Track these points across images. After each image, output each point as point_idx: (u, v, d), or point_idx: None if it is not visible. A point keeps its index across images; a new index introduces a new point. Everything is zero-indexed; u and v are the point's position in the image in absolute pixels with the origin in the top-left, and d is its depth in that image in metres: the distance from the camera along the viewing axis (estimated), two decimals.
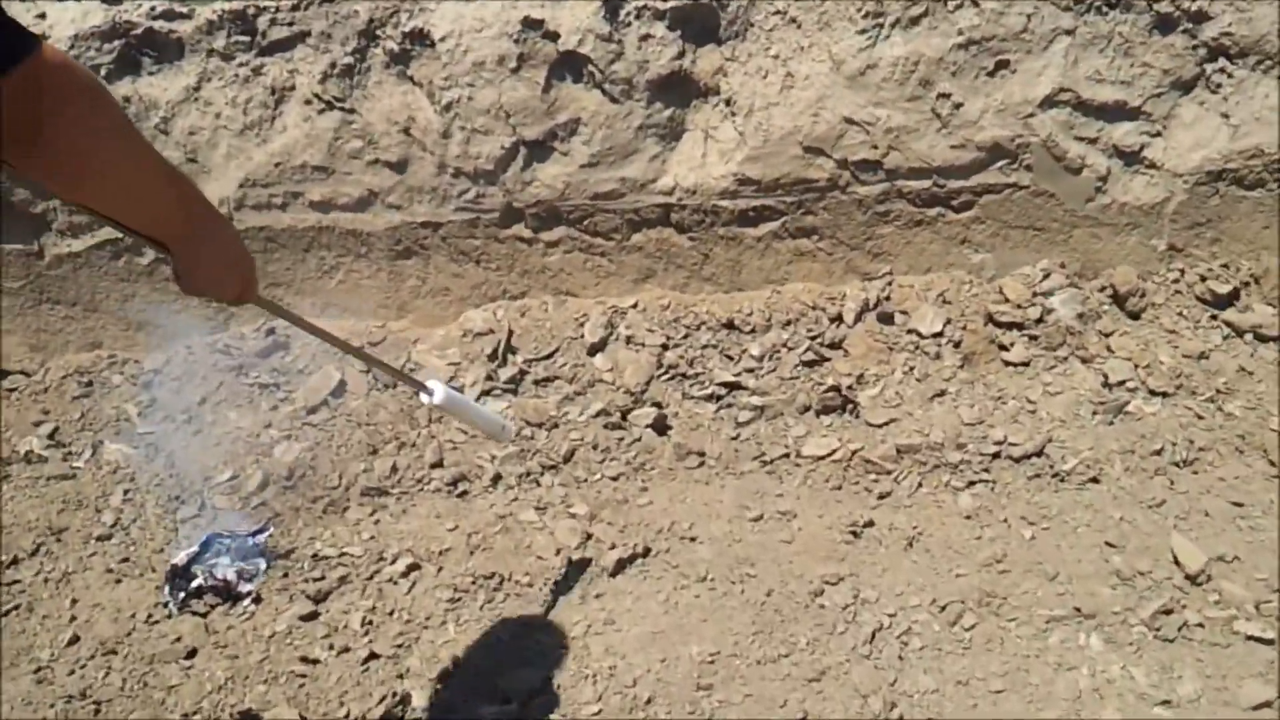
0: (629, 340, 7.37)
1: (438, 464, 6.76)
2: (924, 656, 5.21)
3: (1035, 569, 5.63)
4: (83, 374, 7.50)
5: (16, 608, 5.71)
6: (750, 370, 7.28)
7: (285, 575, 5.85)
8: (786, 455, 6.65)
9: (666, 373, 7.27)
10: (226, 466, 6.80)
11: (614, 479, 6.62)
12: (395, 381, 7.09)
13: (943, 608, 5.47)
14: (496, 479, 6.65)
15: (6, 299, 7.59)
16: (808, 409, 7.11)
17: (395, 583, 5.76)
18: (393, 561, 5.87)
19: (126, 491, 6.64)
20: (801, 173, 7.41)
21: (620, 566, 5.79)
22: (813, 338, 7.37)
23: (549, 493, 6.41)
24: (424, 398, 4.57)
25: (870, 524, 5.99)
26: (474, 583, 5.67)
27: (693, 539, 5.88)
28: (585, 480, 6.56)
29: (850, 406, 7.06)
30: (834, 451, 6.68)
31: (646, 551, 5.87)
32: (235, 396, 7.30)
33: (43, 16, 7.17)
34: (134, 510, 6.45)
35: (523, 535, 6.02)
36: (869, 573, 5.69)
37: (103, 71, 7.17)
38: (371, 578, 5.82)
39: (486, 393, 7.15)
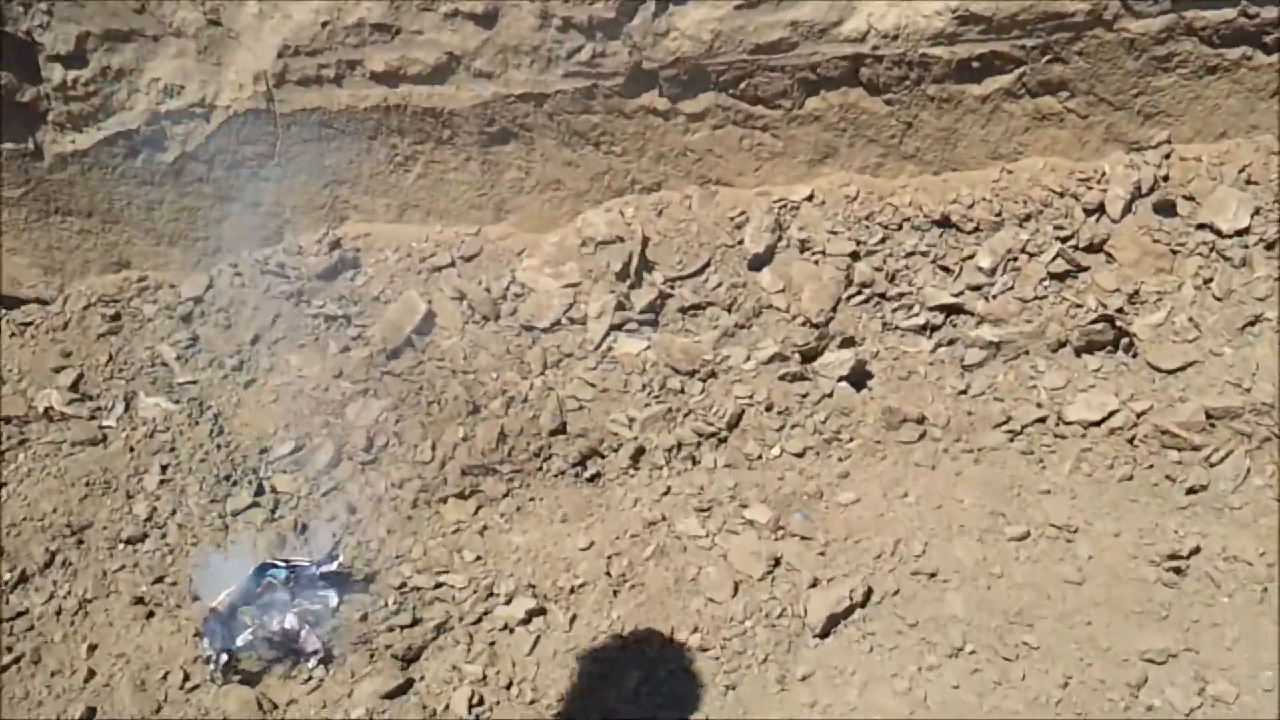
0: (805, 248, 5.47)
1: (559, 430, 5.07)
2: None
3: None
4: (108, 303, 5.96)
5: (19, 660, 4.32)
6: (977, 288, 5.33)
7: (364, 618, 4.33)
8: (1043, 420, 4.78)
9: (859, 293, 5.36)
10: (288, 432, 5.23)
11: (798, 456, 4.86)
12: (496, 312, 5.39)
13: None
14: (638, 454, 4.96)
15: (7, 211, 6.01)
16: (1063, 345, 5.15)
17: (511, 631, 4.21)
18: (507, 600, 4.32)
19: (165, 468, 5.16)
20: (1048, 3, 5.18)
21: (832, 623, 4.08)
22: (1063, 238, 5.35)
23: (712, 480, 4.75)
24: None
25: (1196, 550, 4.11)
26: (622, 646, 4.06)
27: (932, 575, 4.16)
28: (759, 459, 4.85)
29: (1125, 341, 5.05)
30: (1111, 415, 4.76)
31: (867, 596, 4.15)
32: (295, 333, 5.68)
33: None
34: (173, 497, 4.99)
35: (683, 559, 4.41)
36: (1211, 643, 3.86)
37: None
38: (479, 621, 4.28)
39: (617, 327, 5.35)
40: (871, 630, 4.05)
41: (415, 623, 4.25)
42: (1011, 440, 4.76)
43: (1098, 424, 4.76)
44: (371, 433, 5.17)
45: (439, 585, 4.40)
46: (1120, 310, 5.17)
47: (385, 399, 5.30)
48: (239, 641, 4.24)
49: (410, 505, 4.81)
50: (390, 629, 4.23)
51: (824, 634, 4.07)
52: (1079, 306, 5.23)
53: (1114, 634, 3.88)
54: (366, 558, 4.58)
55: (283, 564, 4.49)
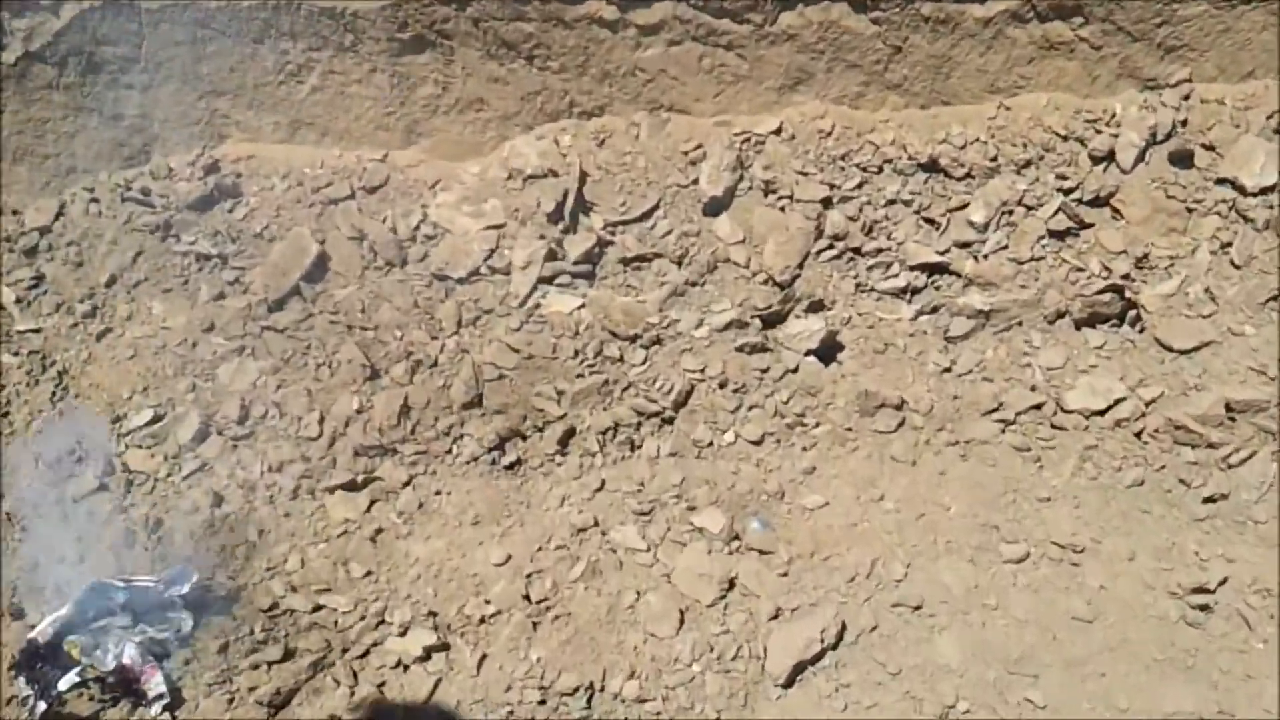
0: (770, 191, 4.69)
1: (473, 403, 4.28)
2: None
3: None
4: None
5: None
6: (966, 245, 4.64)
7: (223, 649, 3.49)
8: (1039, 407, 4.10)
9: (830, 247, 4.60)
10: (146, 397, 4.35)
11: (756, 444, 4.14)
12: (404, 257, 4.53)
13: None
14: (567, 437, 4.20)
15: None
16: (1061, 316, 4.47)
17: (406, 669, 3.42)
18: (402, 631, 3.52)
19: None
20: None
21: (798, 670, 3.36)
22: (1066, 189, 4.65)
23: (654, 473, 4.02)
24: None
25: (1223, 581, 3.46)
26: (542, 698, 3.29)
27: (916, 608, 3.46)
28: (710, 447, 4.12)
29: (1132, 313, 4.38)
30: (1117, 403, 4.09)
31: (840, 635, 3.43)
32: (160, 275, 4.78)
33: None
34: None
35: (619, 580, 3.67)
36: (1246, 702, 3.24)
37: None
38: (366, 656, 3.47)
39: (547, 280, 4.52)
40: (845, 681, 3.38)
41: (287, 656, 3.45)
42: (1003, 431, 4.09)
43: (1101, 413, 4.11)
44: (247, 400, 4.34)
45: (318, 608, 3.60)
46: (1127, 277, 4.50)
47: (265, 359, 4.45)
48: (63, 684, 3.39)
49: (290, 495, 4.01)
50: (255, 666, 3.42)
51: (788, 683, 3.38)
52: (1080, 271, 4.56)
53: (1132, 689, 3.27)
54: (232, 568, 3.74)
55: (122, 583, 3.62)
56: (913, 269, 4.60)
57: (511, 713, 3.22)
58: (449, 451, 4.22)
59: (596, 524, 3.87)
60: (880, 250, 4.63)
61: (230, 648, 3.51)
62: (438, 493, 4.04)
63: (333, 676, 3.41)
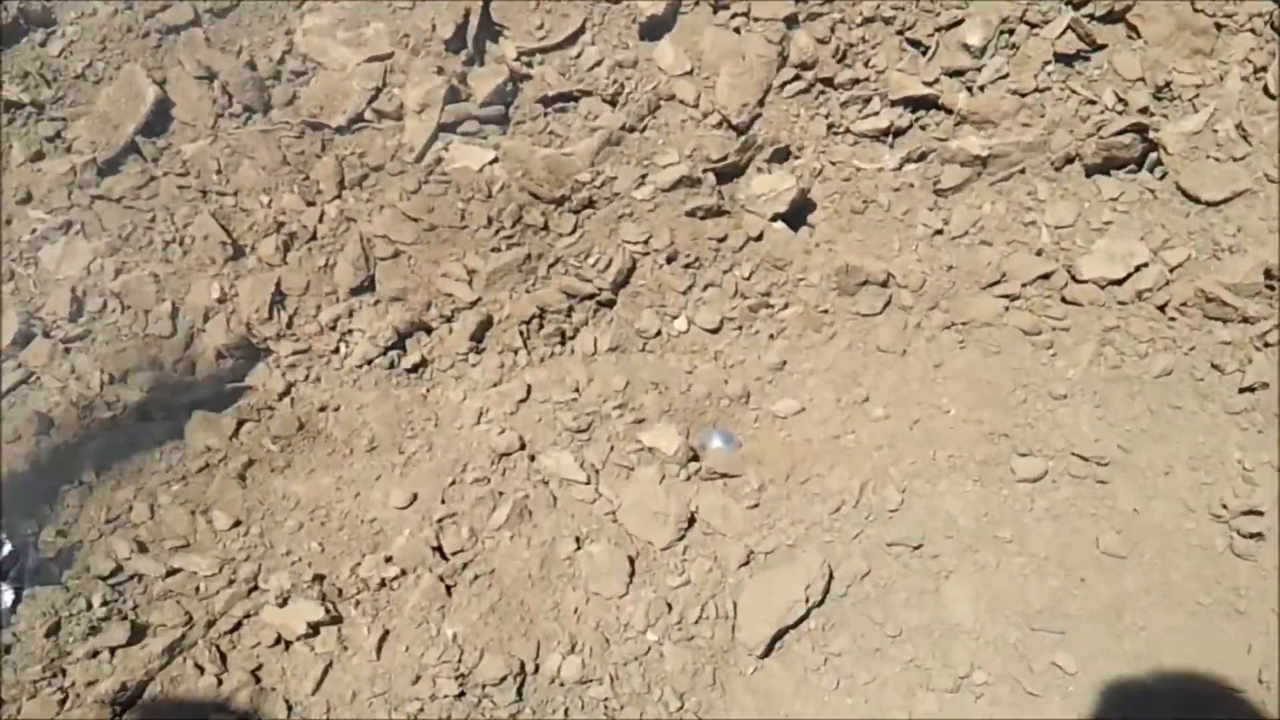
0: (721, 6, 3.79)
1: (364, 287, 3.48)
2: None
3: None
4: None
5: None
6: (959, 74, 3.86)
7: (53, 630, 2.75)
8: (1048, 276, 3.43)
9: (796, 79, 3.80)
10: None
11: (713, 332, 3.41)
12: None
13: None
14: (482, 329, 3.43)
15: None
16: (1070, 161, 3.78)
17: (287, 649, 2.73)
18: (281, 601, 2.79)
19: None
20: None
21: (778, 637, 2.75)
22: (1075, 3, 3.87)
23: (591, 375, 3.33)
24: None
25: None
26: (460, 689, 2.63)
27: (917, 547, 2.83)
28: (658, 338, 3.39)
29: (1153, 156, 3.71)
30: (1138, 270, 3.44)
31: (827, 588, 2.80)
32: None
33: None
34: None
35: (554, 522, 2.98)
36: None
37: None
38: (235, 631, 2.77)
39: (449, 127, 3.65)
40: (836, 649, 2.78)
41: (136, 638, 2.73)
42: (1007, 309, 3.41)
43: (1119, 283, 3.44)
44: (79, 291, 3.46)
45: (173, 572, 2.86)
46: (1145, 111, 3.75)
47: (99, 237, 3.57)
48: None
49: (136, 418, 3.19)
50: (95, 653, 2.70)
51: (765, 653, 2.78)
52: (1092, 104, 3.80)
53: (1176, 643, 2.71)
54: (63, 520, 2.96)
55: None
56: (895, 104, 3.80)
57: (422, 709, 2.59)
58: (335, 351, 3.44)
59: (523, 446, 3.16)
60: (856, 81, 3.80)
61: (61, 629, 2.74)
62: (322, 408, 3.27)
63: (194, 661, 2.68)
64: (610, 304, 3.52)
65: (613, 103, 3.74)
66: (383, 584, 2.81)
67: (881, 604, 2.82)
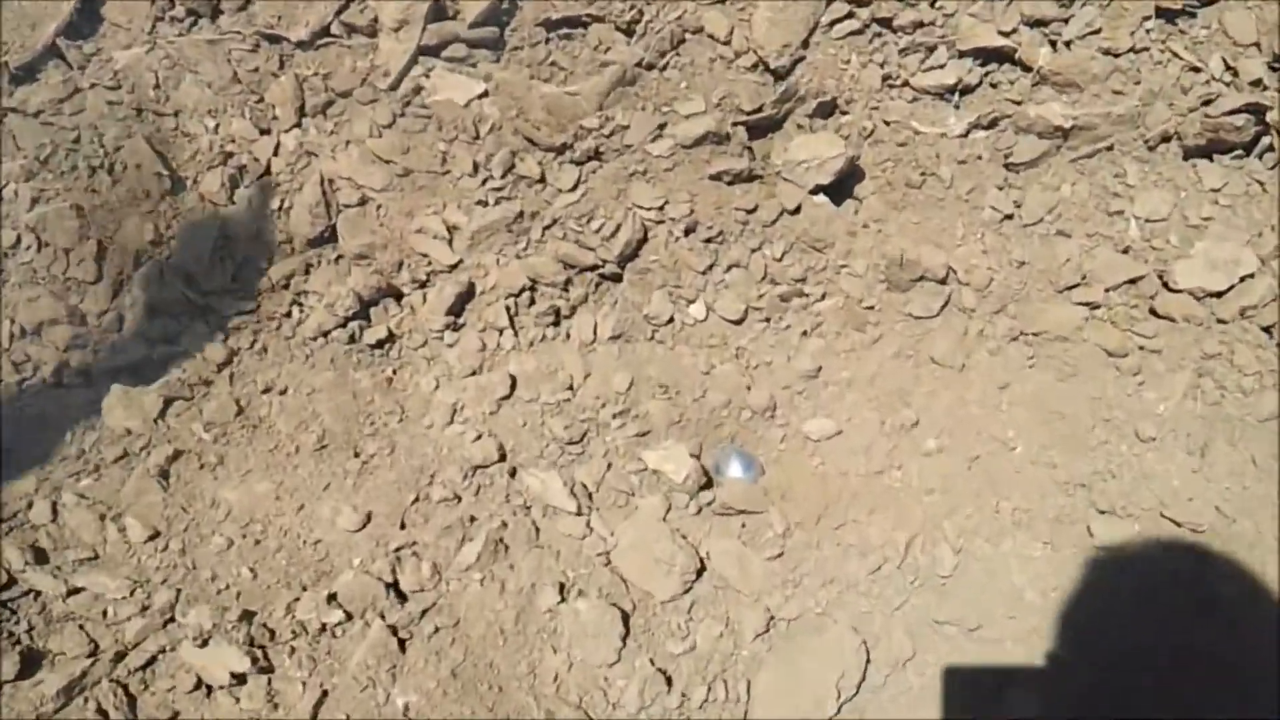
0: None
1: (323, 238, 2.93)
2: None
3: None
4: None
5: None
6: (1041, 24, 3.26)
7: None
8: (1135, 282, 2.89)
9: (850, 16, 3.18)
10: None
11: (736, 324, 2.86)
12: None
13: None
14: (462, 301, 2.89)
15: None
16: (1167, 140, 3.19)
17: (209, 694, 2.26)
18: (201, 641, 2.28)
19: None
20: None
21: None
22: None
23: (589, 370, 2.78)
24: None
25: None
26: None
27: (974, 630, 2.37)
28: (669, 325, 2.85)
29: (1265, 140, 3.15)
30: (1244, 281, 2.91)
31: (864, 674, 2.33)
32: None
33: None
34: None
35: (533, 563, 2.47)
36: None
37: None
38: (149, 667, 2.28)
39: (431, 50, 3.05)
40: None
41: (27, 668, 2.24)
42: (1087, 320, 2.87)
43: (1220, 295, 2.90)
44: None
45: (76, 591, 2.37)
46: (1258, 84, 3.17)
47: (12, 159, 2.98)
48: None
49: (50, 385, 2.68)
50: None
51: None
52: (1196, 71, 3.19)
53: None
54: None
55: None
56: (964, 55, 3.19)
57: None
58: (288, 315, 2.91)
59: (503, 457, 2.64)
60: (920, 25, 3.18)
61: None
62: (266, 389, 2.75)
63: (97, 703, 2.20)
64: (615, 279, 2.97)
65: (628, 32, 3.12)
66: (323, 629, 2.32)
67: (928, 701, 2.33)
